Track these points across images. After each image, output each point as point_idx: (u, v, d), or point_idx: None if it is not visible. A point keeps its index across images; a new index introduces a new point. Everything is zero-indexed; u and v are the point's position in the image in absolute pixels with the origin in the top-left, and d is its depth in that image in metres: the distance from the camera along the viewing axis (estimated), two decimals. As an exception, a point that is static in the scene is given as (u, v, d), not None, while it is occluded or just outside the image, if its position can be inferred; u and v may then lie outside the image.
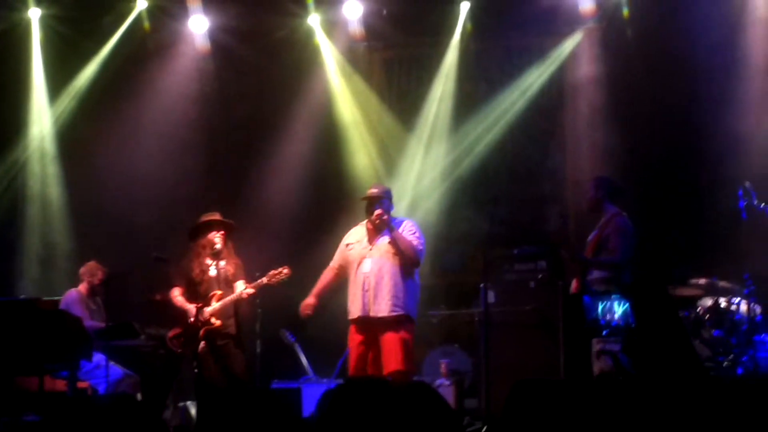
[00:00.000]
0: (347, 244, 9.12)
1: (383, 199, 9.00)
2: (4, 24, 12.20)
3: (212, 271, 9.48)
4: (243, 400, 8.03)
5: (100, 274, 10.33)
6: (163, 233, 11.57)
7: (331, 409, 6.97)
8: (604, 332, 7.96)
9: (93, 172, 12.47)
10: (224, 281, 9.44)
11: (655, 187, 10.90)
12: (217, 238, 9.48)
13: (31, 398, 8.93)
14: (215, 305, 9.30)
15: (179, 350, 9.48)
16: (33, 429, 7.41)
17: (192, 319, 9.33)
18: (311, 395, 9.37)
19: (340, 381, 9.80)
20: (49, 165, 12.63)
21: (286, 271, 9.32)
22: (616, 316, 7.81)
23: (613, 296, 7.94)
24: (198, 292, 9.43)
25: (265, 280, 9.27)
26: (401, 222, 9.14)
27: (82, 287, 10.33)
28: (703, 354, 9.46)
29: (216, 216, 9.61)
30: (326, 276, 9.21)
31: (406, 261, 8.88)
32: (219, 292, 9.36)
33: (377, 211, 8.84)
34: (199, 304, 9.32)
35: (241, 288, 9.36)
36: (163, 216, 12.10)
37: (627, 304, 7.73)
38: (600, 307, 7.90)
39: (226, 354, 9.37)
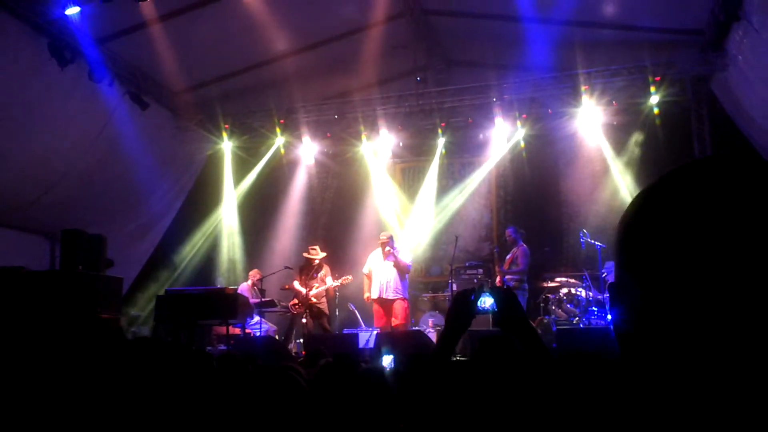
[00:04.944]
0: (372, 260, 9.34)
1: (389, 241, 9.20)
2: (213, 150, 12.42)
3: (314, 275, 9.64)
4: (326, 339, 8.10)
5: (258, 275, 10.33)
6: (290, 255, 11.67)
7: (378, 343, 7.19)
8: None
9: (255, 227, 12.46)
10: (320, 279, 9.53)
11: (539, 232, 10.94)
12: (317, 263, 9.62)
13: (221, 337, 9.04)
14: (313, 291, 9.44)
15: (295, 312, 9.62)
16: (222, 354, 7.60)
17: (302, 296, 9.47)
18: (363, 337, 9.47)
19: (377, 329, 9.93)
20: (233, 222, 12.76)
21: (350, 278, 9.54)
22: (487, 305, 7.84)
23: (484, 293, 7.96)
24: (307, 284, 9.54)
25: (338, 282, 9.49)
26: (402, 250, 9.31)
27: (249, 282, 10.49)
28: (562, 317, 9.59)
29: (316, 252, 9.62)
30: (367, 279, 9.33)
31: (402, 270, 9.11)
32: (317, 285, 9.50)
33: (387, 249, 9.08)
34: (307, 290, 9.49)
35: (329, 282, 9.50)
36: (289, 247, 12.19)
37: (493, 298, 7.77)
38: (480, 300, 7.91)
39: (319, 317, 9.47)
